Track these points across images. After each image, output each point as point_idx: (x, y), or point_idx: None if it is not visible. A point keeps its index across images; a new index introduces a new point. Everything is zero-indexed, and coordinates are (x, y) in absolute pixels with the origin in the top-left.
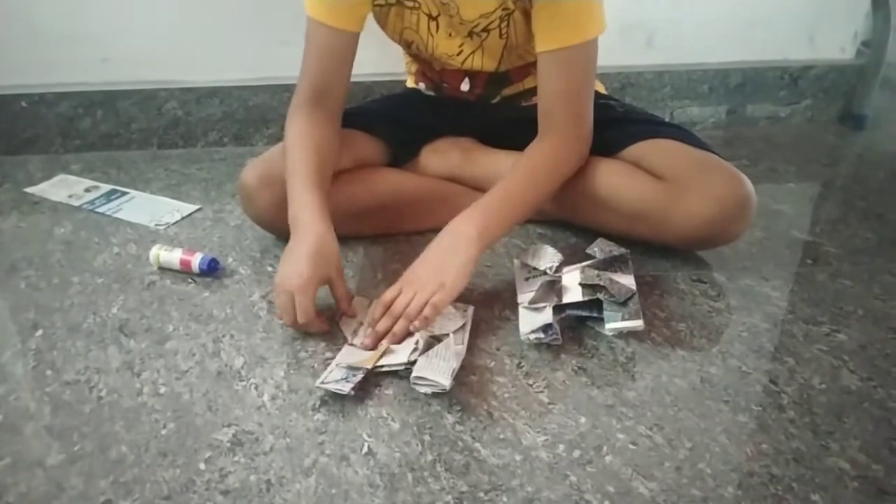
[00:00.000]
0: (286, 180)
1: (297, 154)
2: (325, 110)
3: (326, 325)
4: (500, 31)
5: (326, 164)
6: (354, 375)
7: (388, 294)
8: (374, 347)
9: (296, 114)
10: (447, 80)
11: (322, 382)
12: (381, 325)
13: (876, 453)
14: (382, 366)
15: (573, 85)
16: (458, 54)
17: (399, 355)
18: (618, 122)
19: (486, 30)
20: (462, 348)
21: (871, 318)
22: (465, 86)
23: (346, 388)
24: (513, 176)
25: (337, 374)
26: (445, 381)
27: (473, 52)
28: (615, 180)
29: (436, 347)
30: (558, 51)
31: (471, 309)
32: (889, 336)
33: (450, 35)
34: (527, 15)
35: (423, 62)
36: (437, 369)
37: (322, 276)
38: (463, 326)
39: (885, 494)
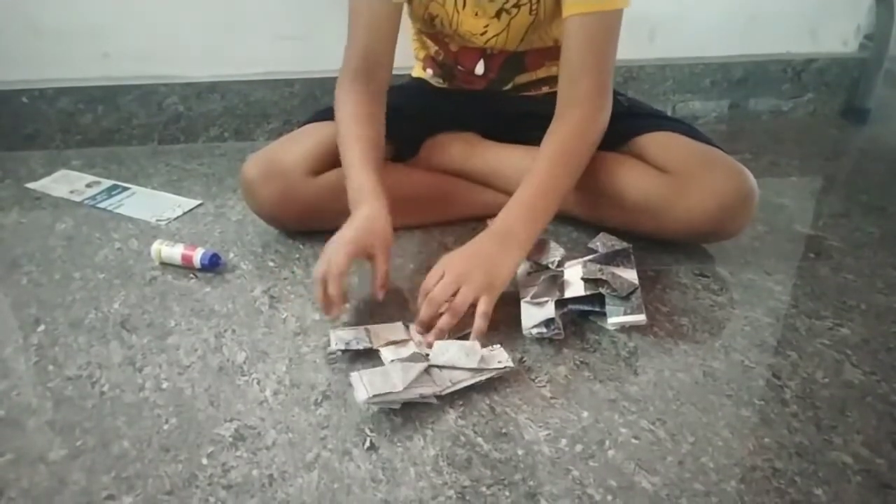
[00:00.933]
0: (343, 160)
1: (353, 132)
2: (375, 84)
3: (342, 305)
4: (531, 6)
5: (379, 143)
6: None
7: (430, 279)
8: (426, 332)
9: (346, 90)
10: (462, 61)
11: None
12: (424, 313)
13: (879, 447)
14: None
15: (599, 53)
16: (482, 34)
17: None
18: (621, 116)
19: (517, 5)
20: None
21: (874, 312)
22: (479, 69)
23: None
24: (546, 163)
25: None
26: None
27: (498, 33)
28: (618, 174)
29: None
30: (587, 15)
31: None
32: (892, 330)
33: (476, 14)
34: None
35: (441, 42)
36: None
37: (364, 245)
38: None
39: (888, 488)
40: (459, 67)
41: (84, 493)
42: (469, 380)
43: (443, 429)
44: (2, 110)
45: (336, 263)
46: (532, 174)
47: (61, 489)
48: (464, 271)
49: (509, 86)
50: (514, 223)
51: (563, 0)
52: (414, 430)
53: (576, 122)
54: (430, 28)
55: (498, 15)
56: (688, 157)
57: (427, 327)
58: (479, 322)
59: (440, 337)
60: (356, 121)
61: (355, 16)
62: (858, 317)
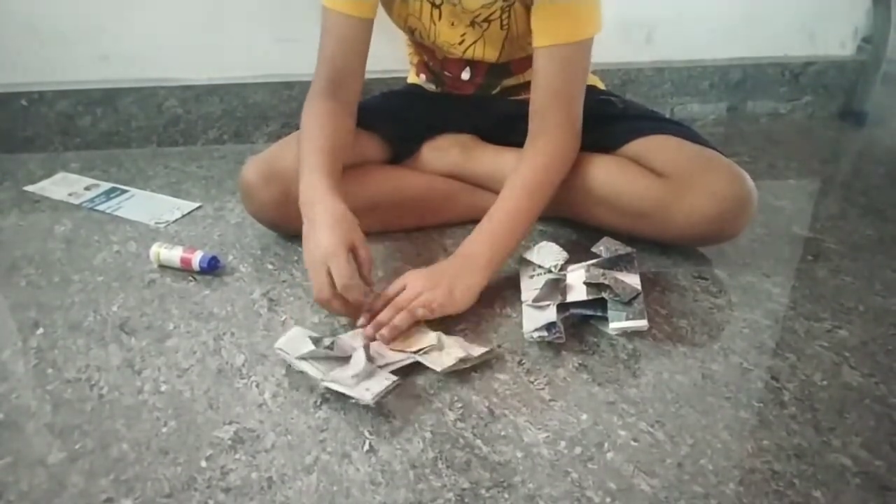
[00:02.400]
0: (299, 167)
1: (312, 143)
2: (342, 100)
3: (362, 293)
4: (501, 22)
5: (340, 155)
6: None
7: (393, 288)
8: (372, 334)
9: (312, 103)
10: (448, 69)
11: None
12: (384, 316)
13: (878, 449)
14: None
15: (568, 83)
16: (459, 43)
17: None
18: (618, 119)
19: (487, 20)
20: (389, 377)
21: (873, 314)
22: (465, 74)
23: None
24: (512, 192)
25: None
26: (367, 397)
27: (475, 41)
28: (616, 177)
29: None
30: (555, 47)
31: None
32: (890, 332)
33: (452, 24)
34: (527, 8)
35: (426, 51)
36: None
37: (347, 241)
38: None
39: (886, 490)
40: (447, 74)
41: (83, 496)
42: (405, 360)
43: (442, 431)
44: (1, 113)
45: (344, 275)
46: (499, 204)
47: (60, 492)
48: (424, 282)
49: (497, 90)
50: (477, 249)
51: (533, 29)
52: (413, 432)
53: (545, 153)
54: (412, 38)
55: (472, 25)
56: (686, 160)
57: (381, 326)
58: (420, 311)
59: (393, 334)
60: (315, 129)
61: (325, 31)
62: (857, 319)
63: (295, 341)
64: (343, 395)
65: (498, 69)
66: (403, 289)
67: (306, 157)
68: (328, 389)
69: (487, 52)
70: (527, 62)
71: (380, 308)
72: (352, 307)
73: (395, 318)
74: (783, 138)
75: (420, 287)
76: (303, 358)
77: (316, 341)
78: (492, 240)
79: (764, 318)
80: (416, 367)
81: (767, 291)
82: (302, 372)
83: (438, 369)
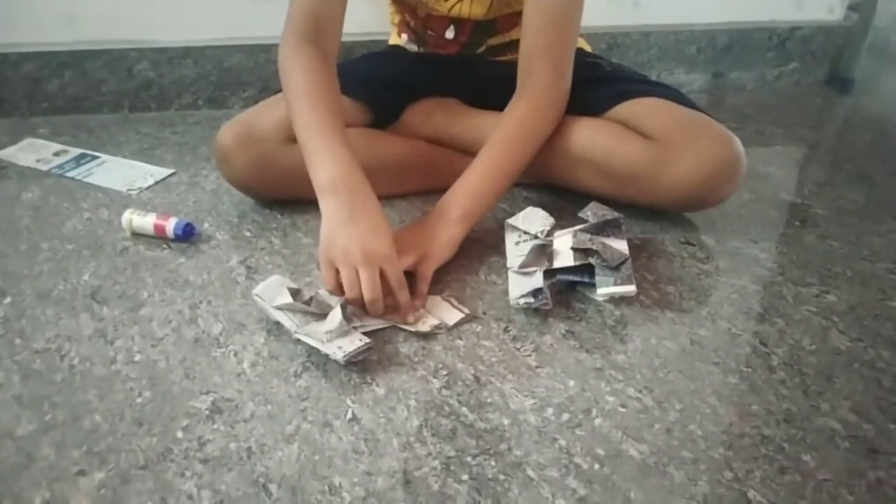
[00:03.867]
0: (298, 130)
1: (310, 99)
2: (322, 49)
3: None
4: None
5: (340, 109)
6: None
7: None
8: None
9: (295, 48)
10: (431, 27)
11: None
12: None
13: (867, 413)
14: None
15: (557, 36)
16: (444, 0)
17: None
18: (605, 81)
19: None
20: (363, 339)
21: (860, 278)
22: (449, 33)
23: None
24: (492, 147)
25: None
26: (339, 355)
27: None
28: (603, 140)
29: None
30: None
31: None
32: (878, 297)
33: None
34: None
35: (407, 9)
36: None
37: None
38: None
39: (875, 454)
40: (430, 32)
41: (53, 469)
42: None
43: (426, 399)
44: None
45: (400, 280)
46: (480, 156)
47: (29, 465)
48: (401, 246)
49: (482, 48)
50: (452, 201)
51: None
52: (397, 400)
53: (529, 106)
54: None
55: None
56: (674, 123)
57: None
58: (420, 285)
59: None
60: (311, 80)
61: None
62: (844, 284)
63: (272, 290)
64: (324, 362)
65: (483, 27)
66: None
67: (311, 120)
68: (308, 355)
69: (475, 9)
70: (513, 19)
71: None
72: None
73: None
74: (769, 104)
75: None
76: (279, 308)
77: (294, 293)
78: (469, 191)
79: (752, 284)
80: (399, 335)
81: (755, 257)
82: (277, 322)
83: (413, 330)
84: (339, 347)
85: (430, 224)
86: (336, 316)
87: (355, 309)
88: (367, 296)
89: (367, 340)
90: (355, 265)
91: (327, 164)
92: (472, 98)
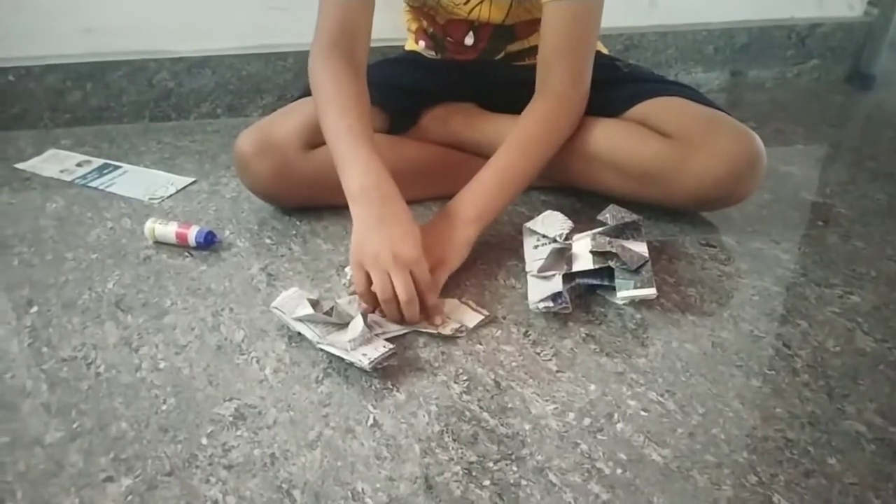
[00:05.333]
0: (329, 138)
1: (339, 107)
2: (352, 59)
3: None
4: None
5: (369, 117)
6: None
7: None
8: (370, 308)
9: (325, 59)
10: (451, 33)
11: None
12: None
13: (893, 415)
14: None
15: (576, 39)
16: (465, 3)
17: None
18: (622, 82)
19: None
20: (386, 344)
21: (885, 278)
22: (468, 39)
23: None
24: (508, 148)
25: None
26: (364, 363)
27: (481, 1)
28: (622, 140)
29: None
30: (564, 1)
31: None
32: None
33: None
34: None
35: (426, 16)
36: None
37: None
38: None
39: None
40: (449, 39)
41: (82, 475)
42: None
43: (447, 404)
44: None
45: (429, 284)
46: (495, 157)
47: (58, 472)
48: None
49: (501, 55)
50: (467, 201)
51: None
52: (418, 405)
53: (547, 108)
54: (413, 2)
55: None
56: (693, 121)
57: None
58: (431, 296)
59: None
60: (340, 88)
61: None
62: (869, 284)
63: (292, 301)
64: (345, 368)
65: (502, 32)
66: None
67: (344, 128)
68: (329, 362)
69: (493, 13)
70: (532, 26)
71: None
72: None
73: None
74: (789, 103)
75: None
76: (299, 320)
77: (314, 304)
78: (484, 190)
79: (774, 285)
80: (419, 341)
81: (777, 258)
82: (298, 333)
83: (435, 332)
84: (364, 355)
85: (444, 227)
86: (358, 324)
87: (376, 317)
88: (402, 297)
89: (391, 346)
90: (386, 269)
91: (358, 172)
92: (491, 103)
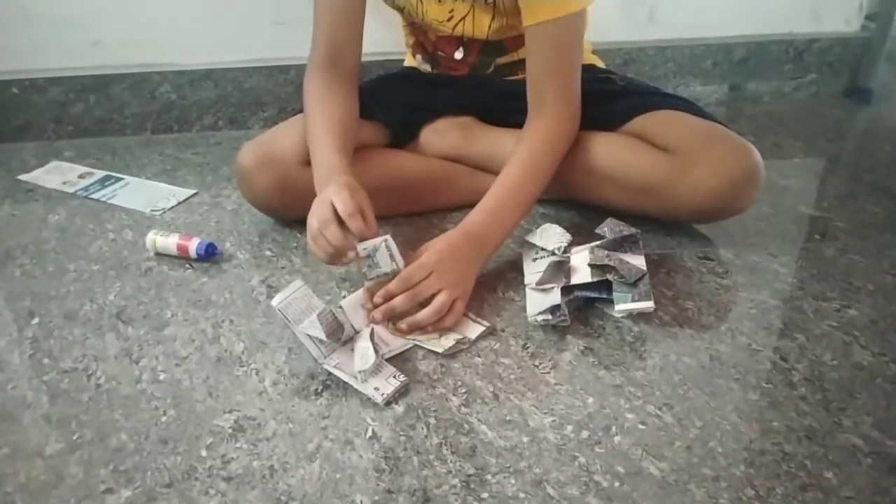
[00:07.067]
0: (309, 146)
1: (319, 120)
2: (341, 74)
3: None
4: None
5: (349, 128)
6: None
7: (416, 274)
8: (381, 320)
9: (312, 78)
10: (442, 48)
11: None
12: (399, 303)
13: (889, 429)
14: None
15: (561, 60)
16: (448, 20)
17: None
18: (619, 96)
19: None
20: (397, 375)
21: (882, 292)
22: (458, 54)
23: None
24: (514, 170)
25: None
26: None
27: (464, 17)
28: (619, 154)
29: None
30: (544, 24)
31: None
32: None
33: (439, 0)
34: None
35: (419, 31)
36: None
37: (356, 196)
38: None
39: None
40: (440, 53)
41: (82, 487)
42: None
43: (445, 417)
44: None
45: (349, 205)
46: (501, 180)
47: (58, 483)
48: (447, 274)
49: (491, 69)
50: (487, 229)
51: (521, 7)
52: (416, 418)
53: (544, 131)
54: (403, 17)
55: None
56: (690, 134)
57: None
58: (450, 319)
59: (412, 329)
60: (321, 103)
61: (318, 8)
62: (866, 298)
63: (296, 304)
64: (344, 381)
65: (491, 47)
66: (426, 277)
67: (316, 139)
68: (328, 374)
69: (477, 29)
70: (520, 39)
71: (397, 291)
72: (343, 244)
73: (419, 314)
74: (788, 117)
75: (444, 279)
76: (304, 332)
77: (322, 319)
78: (497, 218)
79: (771, 299)
80: (418, 353)
81: (774, 271)
82: (297, 339)
83: (440, 350)
84: (376, 389)
85: (470, 252)
86: (369, 355)
87: (380, 331)
88: (343, 212)
89: (403, 379)
90: (315, 205)
91: (321, 168)
92: (487, 115)
